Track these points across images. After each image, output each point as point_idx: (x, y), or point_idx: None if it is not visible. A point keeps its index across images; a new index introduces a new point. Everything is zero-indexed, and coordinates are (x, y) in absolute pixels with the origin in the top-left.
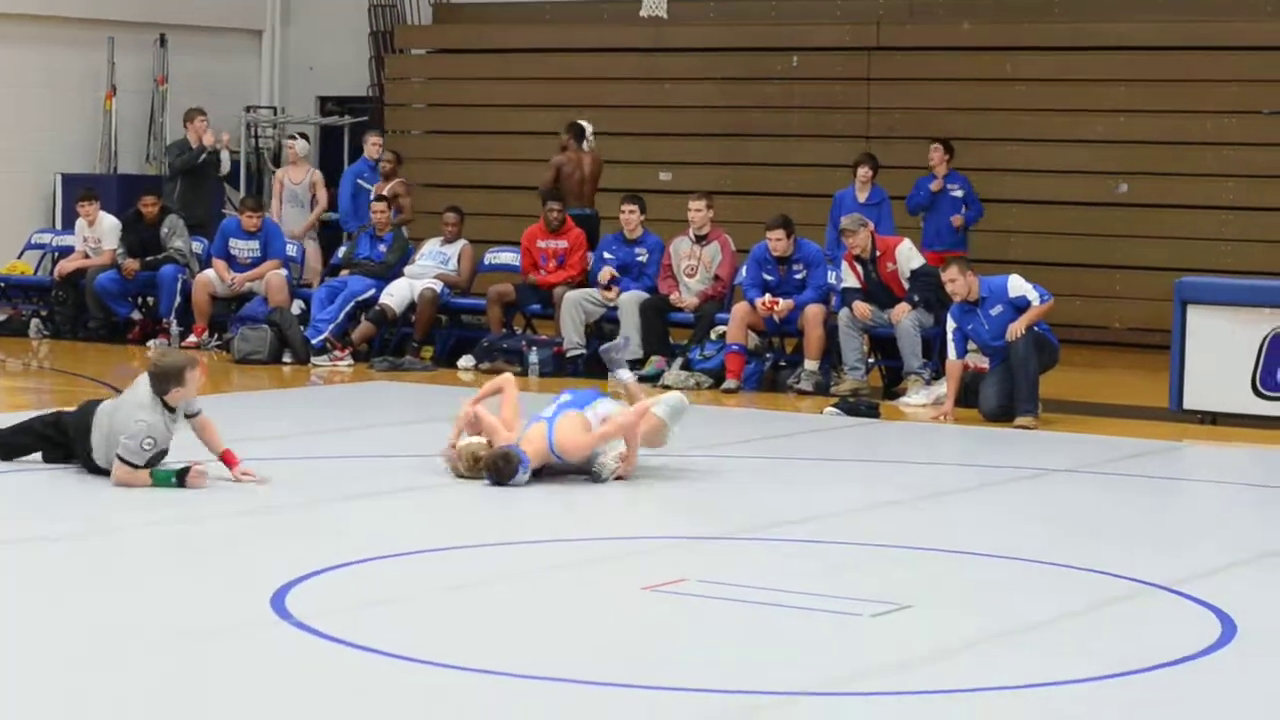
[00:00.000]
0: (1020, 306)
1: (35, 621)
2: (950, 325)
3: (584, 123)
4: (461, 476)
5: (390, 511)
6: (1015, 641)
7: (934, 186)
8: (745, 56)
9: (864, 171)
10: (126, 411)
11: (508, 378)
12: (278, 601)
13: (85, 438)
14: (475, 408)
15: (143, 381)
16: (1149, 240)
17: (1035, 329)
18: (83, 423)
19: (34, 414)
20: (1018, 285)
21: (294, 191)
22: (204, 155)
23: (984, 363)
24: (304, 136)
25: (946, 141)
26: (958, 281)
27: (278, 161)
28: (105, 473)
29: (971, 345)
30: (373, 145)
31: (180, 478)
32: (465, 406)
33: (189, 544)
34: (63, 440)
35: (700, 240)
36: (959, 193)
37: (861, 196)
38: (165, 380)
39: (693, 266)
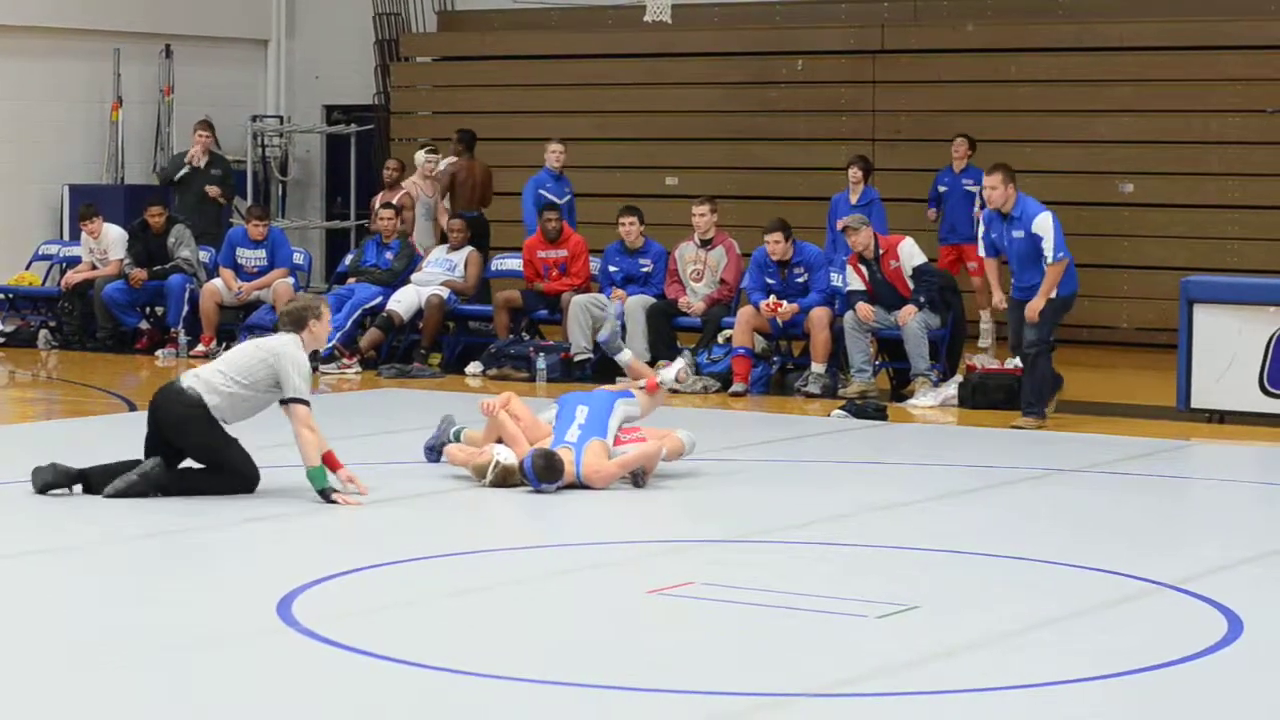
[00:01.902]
0: (1036, 244)
1: (43, 629)
2: (981, 228)
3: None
4: (487, 483)
5: (397, 517)
6: (1022, 642)
7: (961, 174)
8: (750, 60)
9: (854, 173)
10: (278, 349)
11: (506, 395)
12: (284, 608)
13: (178, 412)
14: (499, 414)
15: (266, 339)
16: (1155, 240)
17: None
18: (174, 399)
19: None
20: (1043, 225)
21: (427, 205)
22: (184, 170)
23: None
24: (433, 150)
25: (970, 137)
26: (997, 190)
27: (285, 171)
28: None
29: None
30: (553, 154)
31: (326, 495)
32: (488, 406)
33: (196, 550)
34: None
35: (705, 245)
36: (974, 187)
37: (853, 198)
38: (302, 316)
39: (699, 271)
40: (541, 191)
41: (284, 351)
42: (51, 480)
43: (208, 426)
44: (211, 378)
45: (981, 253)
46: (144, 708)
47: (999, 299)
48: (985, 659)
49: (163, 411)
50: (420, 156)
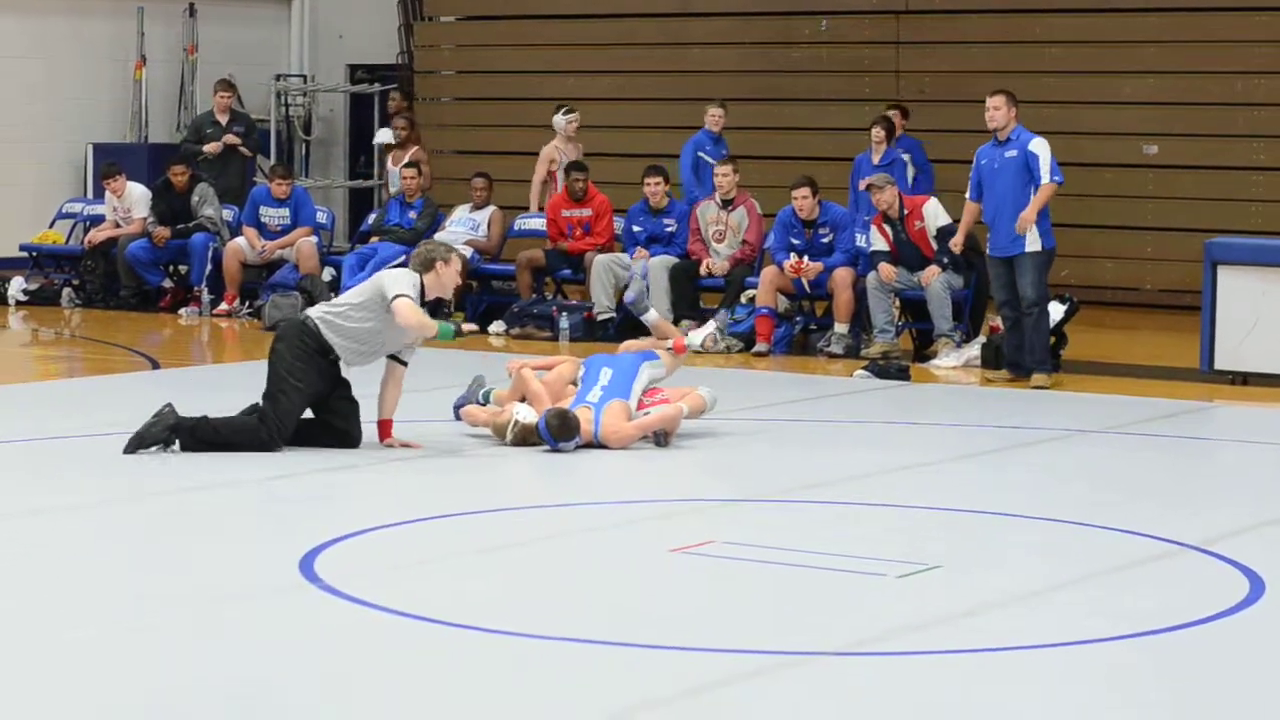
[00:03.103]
0: (1027, 166)
1: (67, 586)
2: (973, 168)
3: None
4: (508, 442)
5: (419, 476)
6: (1043, 601)
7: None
8: (773, 21)
9: (877, 132)
10: (390, 275)
11: (573, 362)
12: (306, 565)
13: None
14: (523, 370)
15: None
16: (1179, 202)
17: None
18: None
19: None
20: (1040, 146)
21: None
22: (199, 156)
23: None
24: (571, 110)
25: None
26: (1000, 111)
27: (308, 130)
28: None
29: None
30: (712, 117)
31: (460, 333)
32: (518, 368)
33: (221, 508)
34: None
35: (726, 205)
36: (905, 155)
37: (876, 158)
38: (430, 258)
39: (720, 231)
40: (700, 154)
41: (387, 273)
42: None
43: (300, 348)
44: (327, 306)
45: (969, 196)
46: (160, 663)
47: (960, 241)
48: (1006, 619)
49: (277, 337)
50: (560, 119)
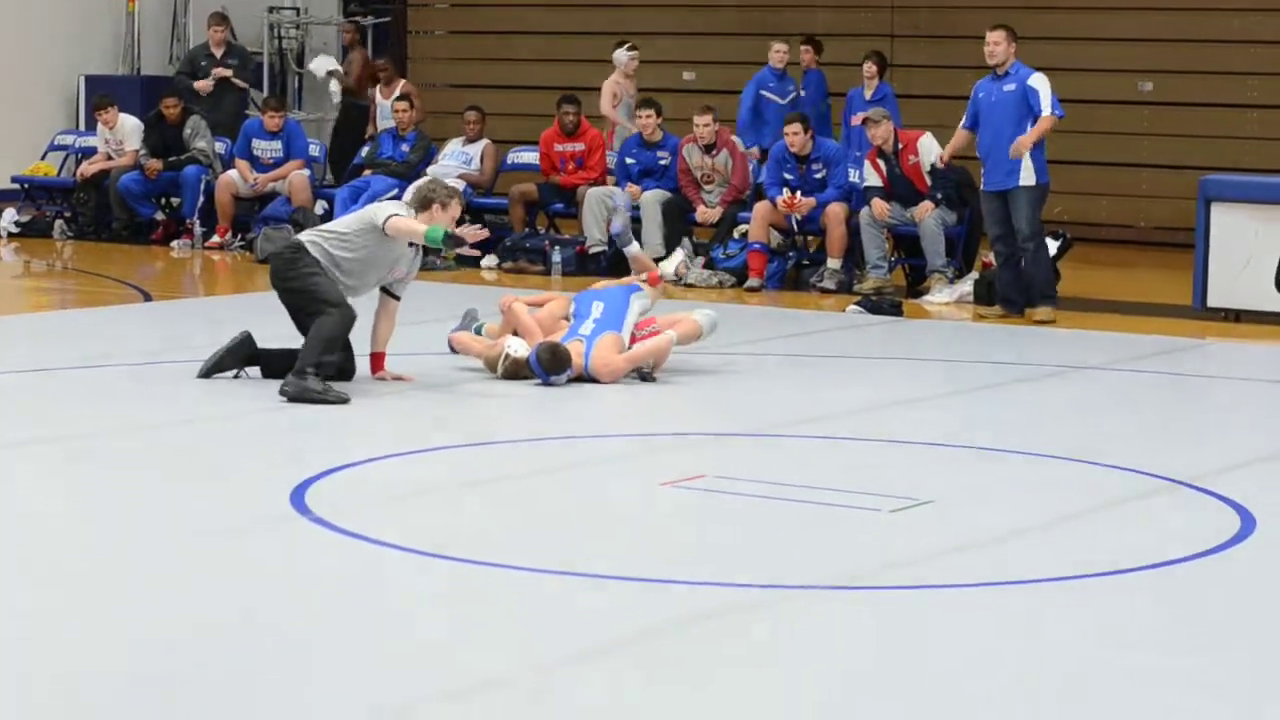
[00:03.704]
0: (1025, 100)
1: (54, 521)
2: (970, 100)
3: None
4: (499, 375)
5: (409, 409)
6: (1035, 538)
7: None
8: None
9: (868, 67)
10: (382, 204)
11: (563, 298)
12: (297, 497)
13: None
14: (515, 304)
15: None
16: (1174, 139)
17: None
18: (279, 265)
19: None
20: (1039, 80)
21: (629, 104)
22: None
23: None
24: (634, 46)
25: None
26: (1000, 46)
27: (300, 62)
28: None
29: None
30: (776, 53)
31: (452, 239)
32: (510, 303)
33: (212, 440)
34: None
35: (709, 150)
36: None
37: (867, 93)
38: (429, 198)
39: (708, 174)
40: (764, 92)
41: (378, 204)
42: (220, 362)
43: (308, 269)
44: (321, 229)
45: (962, 124)
46: (153, 598)
47: (946, 155)
48: (998, 554)
49: (274, 264)
50: (621, 55)
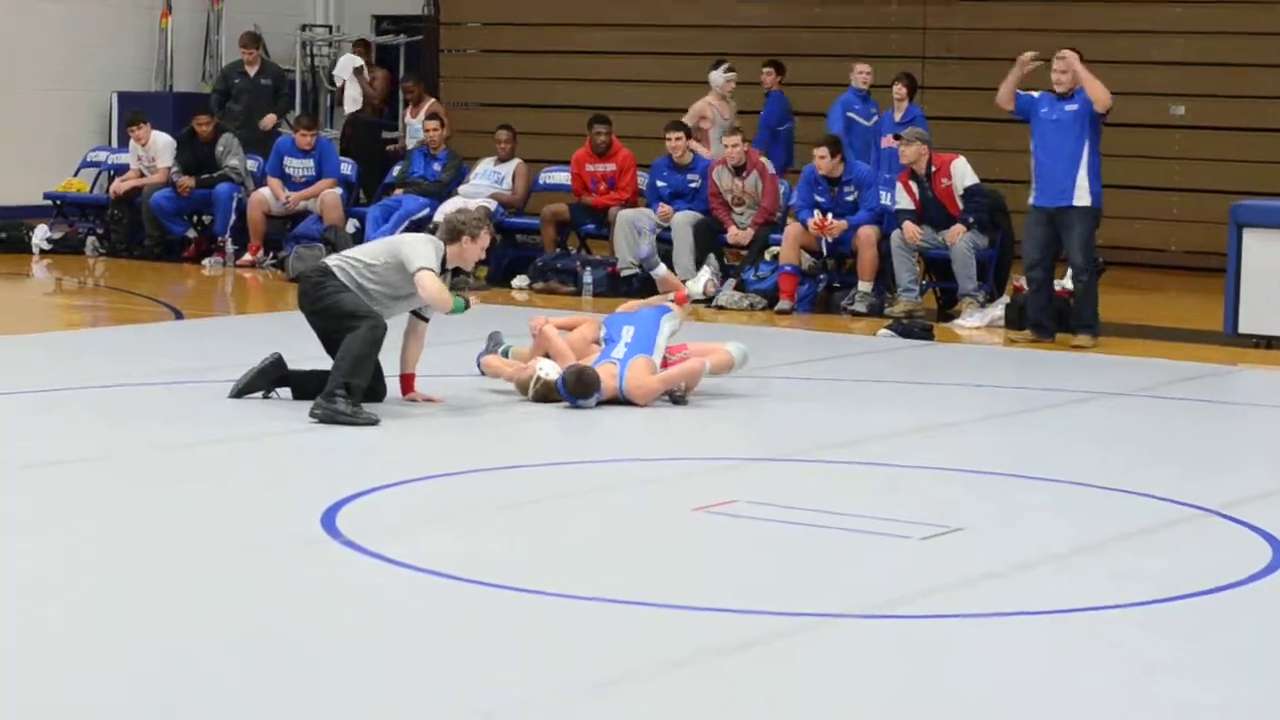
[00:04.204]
0: (1086, 114)
1: (84, 538)
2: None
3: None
4: (530, 398)
5: (441, 431)
6: (1065, 565)
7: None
8: None
9: (898, 89)
10: (411, 242)
11: (593, 321)
12: (328, 519)
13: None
14: (546, 327)
15: (417, 236)
16: (1205, 163)
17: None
18: (307, 288)
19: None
20: (1097, 91)
21: (724, 126)
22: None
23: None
24: (731, 68)
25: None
26: (1067, 74)
27: (333, 80)
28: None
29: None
30: (859, 74)
31: (466, 304)
32: (541, 325)
33: (244, 460)
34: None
35: (739, 172)
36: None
37: (897, 115)
38: (458, 229)
39: (738, 197)
40: (850, 114)
41: (409, 239)
42: (251, 383)
43: (328, 285)
44: (347, 255)
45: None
46: (183, 617)
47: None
48: (1028, 583)
49: (302, 287)
50: (718, 76)
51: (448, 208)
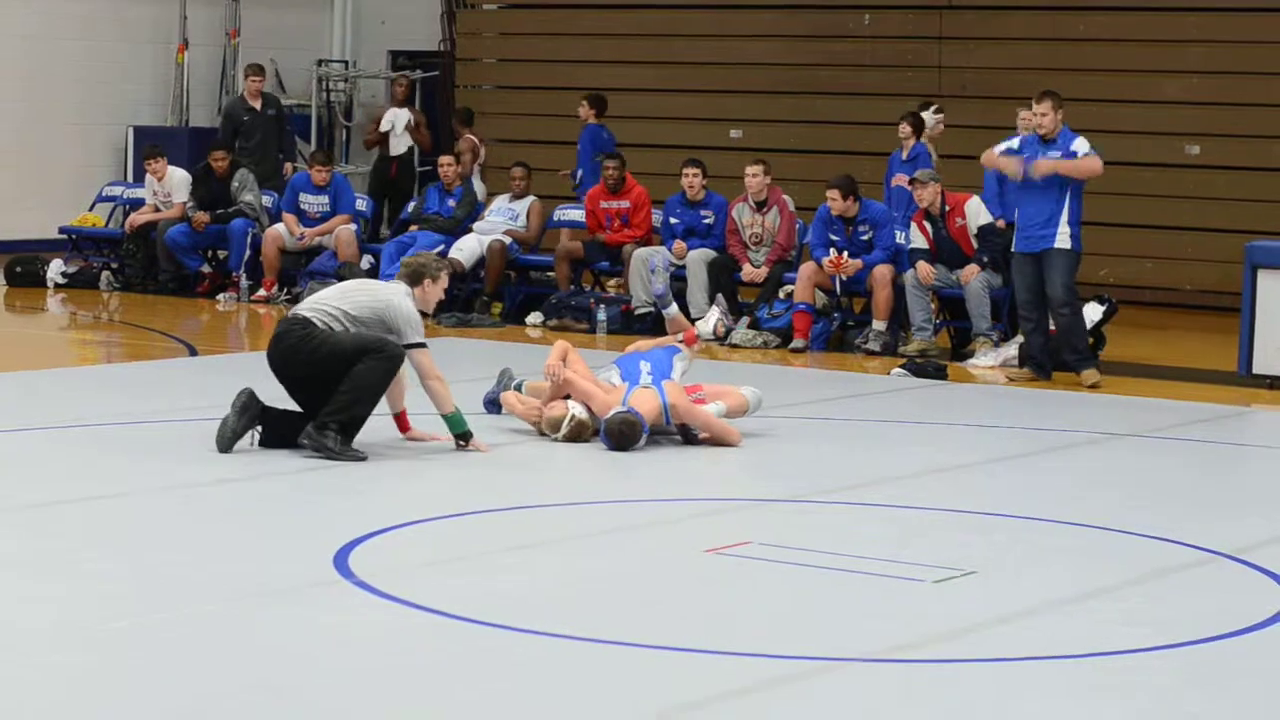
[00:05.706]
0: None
1: (96, 578)
2: (1016, 146)
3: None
4: (559, 437)
5: (454, 470)
6: (1077, 609)
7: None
8: (816, 14)
9: (903, 128)
10: (388, 298)
11: (562, 344)
12: (340, 560)
13: (302, 353)
14: (567, 373)
15: (376, 283)
16: (1219, 203)
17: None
18: (293, 342)
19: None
20: (1083, 143)
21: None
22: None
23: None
24: (940, 109)
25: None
26: (1048, 117)
27: (349, 116)
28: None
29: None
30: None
31: (467, 439)
32: (553, 370)
33: (253, 501)
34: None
35: (760, 207)
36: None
37: (904, 154)
38: (420, 272)
39: (757, 234)
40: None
41: (393, 301)
42: (237, 432)
43: (315, 337)
44: (322, 306)
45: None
46: (195, 660)
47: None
48: (1040, 627)
49: (284, 342)
50: (930, 117)
51: (461, 244)
